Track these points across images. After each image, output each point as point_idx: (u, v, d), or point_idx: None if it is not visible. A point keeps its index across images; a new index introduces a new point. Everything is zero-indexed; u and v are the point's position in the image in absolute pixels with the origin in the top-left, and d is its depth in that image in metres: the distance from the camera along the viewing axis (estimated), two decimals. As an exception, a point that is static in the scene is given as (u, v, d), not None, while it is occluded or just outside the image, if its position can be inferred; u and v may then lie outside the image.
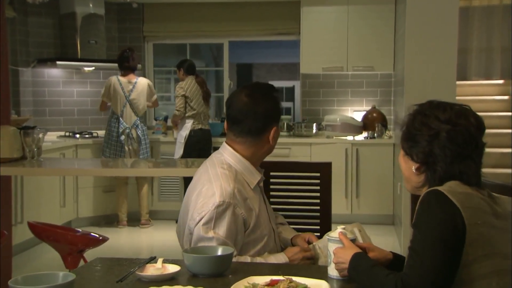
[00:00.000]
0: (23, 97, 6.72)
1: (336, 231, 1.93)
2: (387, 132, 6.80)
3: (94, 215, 6.66)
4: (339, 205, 6.53)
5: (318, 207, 2.63)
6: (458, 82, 7.31)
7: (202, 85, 6.52)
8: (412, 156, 1.86)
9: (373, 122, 6.78)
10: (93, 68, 7.03)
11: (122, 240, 6.01)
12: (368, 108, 7.04)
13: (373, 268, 1.76)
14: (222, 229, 2.13)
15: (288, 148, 6.66)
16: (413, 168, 1.86)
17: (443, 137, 1.79)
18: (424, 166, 1.84)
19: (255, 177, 2.28)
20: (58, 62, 6.63)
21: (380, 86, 7.18)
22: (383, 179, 6.44)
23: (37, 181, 5.60)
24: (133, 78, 6.39)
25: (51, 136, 6.60)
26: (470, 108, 1.87)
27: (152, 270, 1.95)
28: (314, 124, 6.94)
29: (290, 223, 2.55)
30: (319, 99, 7.32)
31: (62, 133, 6.87)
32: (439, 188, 1.74)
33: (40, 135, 4.13)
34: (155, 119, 7.43)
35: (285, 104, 14.71)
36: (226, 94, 7.58)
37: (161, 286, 1.78)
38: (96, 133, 6.88)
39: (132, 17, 7.44)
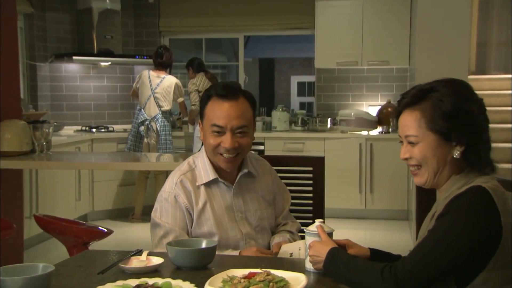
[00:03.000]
0: (41, 92, 6.82)
1: (314, 225, 1.93)
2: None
3: (110, 209, 6.73)
4: (353, 200, 6.52)
5: (311, 201, 2.62)
6: (475, 77, 7.26)
7: (212, 80, 6.58)
8: (453, 139, 1.69)
9: (388, 117, 6.73)
10: (109, 63, 7.11)
11: (135, 234, 6.07)
12: (383, 103, 6.99)
13: (354, 259, 1.71)
14: (167, 217, 2.25)
15: (302, 143, 6.66)
16: (456, 153, 1.70)
17: (481, 112, 1.70)
18: (468, 150, 1.69)
19: (207, 176, 2.28)
20: (74, 57, 6.71)
21: (396, 81, 7.12)
22: (397, 174, 6.39)
23: (52, 174, 5.69)
24: (162, 74, 6.45)
25: (68, 131, 6.72)
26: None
27: (136, 262, 1.97)
28: (329, 119, 6.93)
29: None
30: (334, 94, 7.30)
31: (79, 128, 6.96)
32: (484, 185, 1.63)
33: (50, 129, 4.19)
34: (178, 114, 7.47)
35: (306, 99, 14.68)
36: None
37: (140, 278, 1.79)
38: (112, 127, 6.96)
39: (148, 12, 7.49)
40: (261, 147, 6.69)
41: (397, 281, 1.58)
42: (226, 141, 2.20)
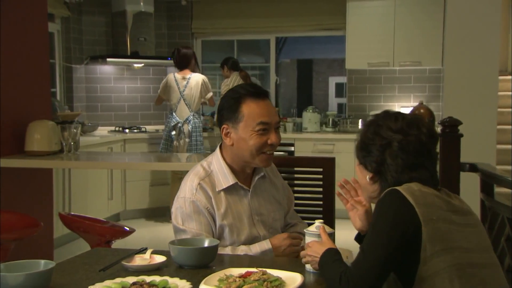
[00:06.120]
0: (76, 93, 6.98)
1: (314, 225, 1.95)
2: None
3: (142, 208, 6.82)
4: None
5: (321, 202, 2.62)
6: (509, 77, 7.11)
7: (246, 79, 6.60)
8: (366, 166, 1.90)
9: (420, 118, 6.63)
10: (143, 64, 7.21)
11: (166, 233, 6.11)
12: (416, 104, 6.90)
13: (333, 262, 1.77)
14: (191, 223, 2.20)
15: (332, 144, 6.64)
16: (368, 177, 1.90)
17: (395, 147, 1.82)
18: (377, 176, 1.88)
19: (227, 181, 2.25)
20: (108, 59, 6.83)
21: (429, 82, 7.02)
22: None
23: (85, 174, 5.81)
24: (187, 74, 6.46)
25: (102, 131, 6.84)
26: (422, 117, 1.93)
27: (139, 260, 2.00)
28: (360, 120, 6.87)
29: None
30: (365, 95, 7.24)
31: (113, 128, 7.08)
32: (397, 187, 1.77)
33: (78, 130, 4.28)
34: (202, 115, 7.52)
35: (344, 100, 14.59)
36: (272, 91, 7.59)
37: (139, 276, 1.83)
38: (145, 128, 7.06)
39: (181, 14, 7.57)
40: (291, 148, 6.68)
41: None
42: (273, 137, 2.21)
